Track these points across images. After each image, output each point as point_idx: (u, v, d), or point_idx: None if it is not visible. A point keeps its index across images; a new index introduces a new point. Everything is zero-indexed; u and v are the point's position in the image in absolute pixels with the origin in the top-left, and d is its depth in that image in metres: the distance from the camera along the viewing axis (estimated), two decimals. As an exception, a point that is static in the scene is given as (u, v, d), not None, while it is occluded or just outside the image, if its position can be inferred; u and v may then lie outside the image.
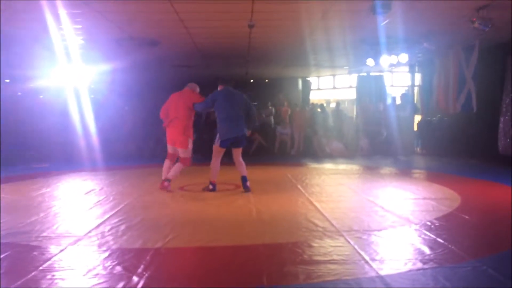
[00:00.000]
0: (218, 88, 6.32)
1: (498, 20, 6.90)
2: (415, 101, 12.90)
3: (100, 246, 3.69)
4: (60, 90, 11.16)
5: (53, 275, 2.98)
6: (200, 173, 7.13)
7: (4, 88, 12.38)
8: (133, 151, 11.85)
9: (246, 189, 6.22)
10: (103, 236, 3.96)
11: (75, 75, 10.93)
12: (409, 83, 14.09)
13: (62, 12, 6.81)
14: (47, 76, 11.01)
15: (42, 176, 8.12)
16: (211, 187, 6.30)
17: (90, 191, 6.46)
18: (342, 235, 3.92)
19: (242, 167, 6.29)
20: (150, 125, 12.36)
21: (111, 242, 3.78)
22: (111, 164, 9.63)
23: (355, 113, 15.67)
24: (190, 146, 6.42)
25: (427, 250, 3.47)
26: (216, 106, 6.19)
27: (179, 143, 6.32)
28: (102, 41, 9.11)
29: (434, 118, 12.69)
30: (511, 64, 9.25)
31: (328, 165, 9.87)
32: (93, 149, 10.53)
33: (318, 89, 17.59)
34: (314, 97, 17.64)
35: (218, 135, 6.22)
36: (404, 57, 9.61)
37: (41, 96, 12.44)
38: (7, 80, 13.07)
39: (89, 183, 7.44)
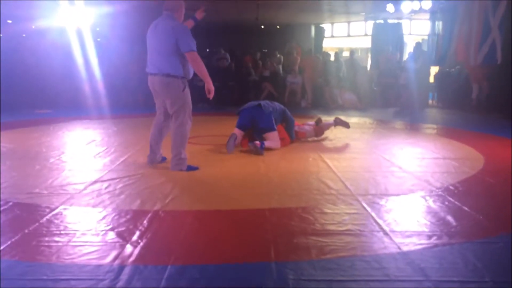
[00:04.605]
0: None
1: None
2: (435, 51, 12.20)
3: (94, 206, 3.41)
4: (63, 32, 10.61)
5: (39, 241, 2.70)
6: (211, 124, 6.73)
7: (6, 30, 11.84)
8: (137, 99, 11.42)
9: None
10: (99, 195, 3.68)
11: (79, 15, 10.38)
12: (429, 32, 13.31)
13: None
14: (50, 16, 10.47)
15: (44, 123, 7.83)
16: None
17: (91, 142, 6.17)
18: (357, 200, 3.60)
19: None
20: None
21: (107, 202, 3.50)
22: (115, 112, 9.28)
23: (369, 63, 15.04)
24: None
25: (452, 221, 3.13)
26: None
27: None
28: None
29: (453, 69, 12.05)
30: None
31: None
32: (98, 95, 10.13)
33: (332, 36, 16.86)
34: (327, 45, 16.94)
35: None
36: (427, 3, 8.93)
37: (46, 38, 11.89)
38: (9, 21, 12.53)
39: (91, 132, 7.16)
